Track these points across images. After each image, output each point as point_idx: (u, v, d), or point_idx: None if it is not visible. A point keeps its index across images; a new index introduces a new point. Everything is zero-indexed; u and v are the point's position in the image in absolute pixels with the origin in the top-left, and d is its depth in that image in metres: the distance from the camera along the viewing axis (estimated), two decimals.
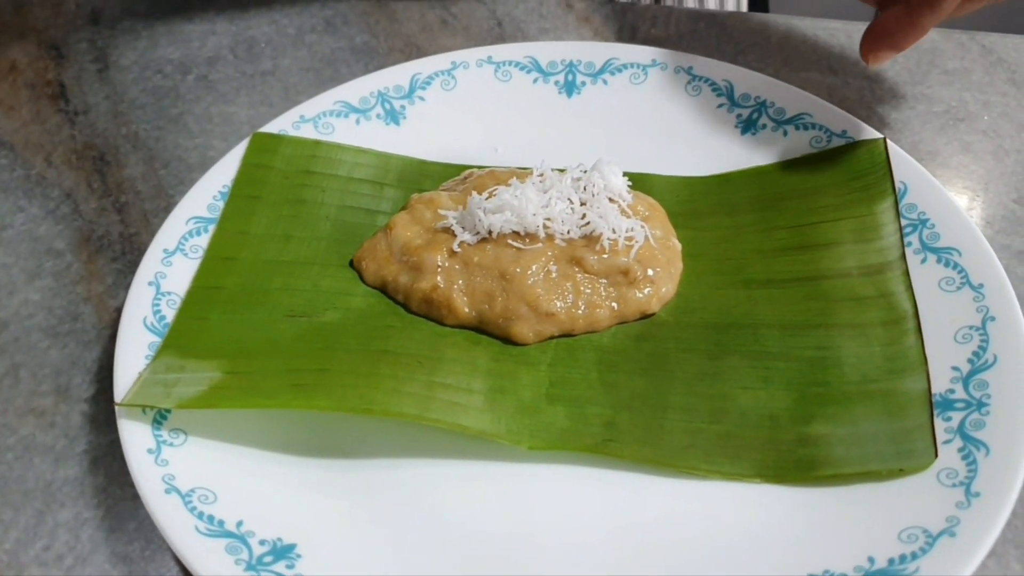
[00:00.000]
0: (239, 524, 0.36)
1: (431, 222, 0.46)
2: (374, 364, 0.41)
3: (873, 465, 0.37)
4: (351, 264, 0.46)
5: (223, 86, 0.59)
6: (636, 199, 0.46)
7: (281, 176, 0.49)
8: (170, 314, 0.43)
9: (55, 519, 0.40)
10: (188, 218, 0.46)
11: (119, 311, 0.43)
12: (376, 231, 0.47)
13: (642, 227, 0.44)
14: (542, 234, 0.44)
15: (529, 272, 0.43)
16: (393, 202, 0.49)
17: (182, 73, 0.60)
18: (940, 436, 0.37)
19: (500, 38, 0.61)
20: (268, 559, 0.35)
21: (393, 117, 0.53)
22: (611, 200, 0.45)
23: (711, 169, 0.50)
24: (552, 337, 0.43)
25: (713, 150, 0.51)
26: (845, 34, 0.60)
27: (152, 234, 0.46)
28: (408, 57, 0.60)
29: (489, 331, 0.43)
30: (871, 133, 0.48)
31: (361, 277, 0.46)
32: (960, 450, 0.36)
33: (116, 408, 0.38)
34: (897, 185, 0.46)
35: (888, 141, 0.48)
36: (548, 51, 0.55)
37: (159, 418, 0.39)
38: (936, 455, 0.36)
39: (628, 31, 0.61)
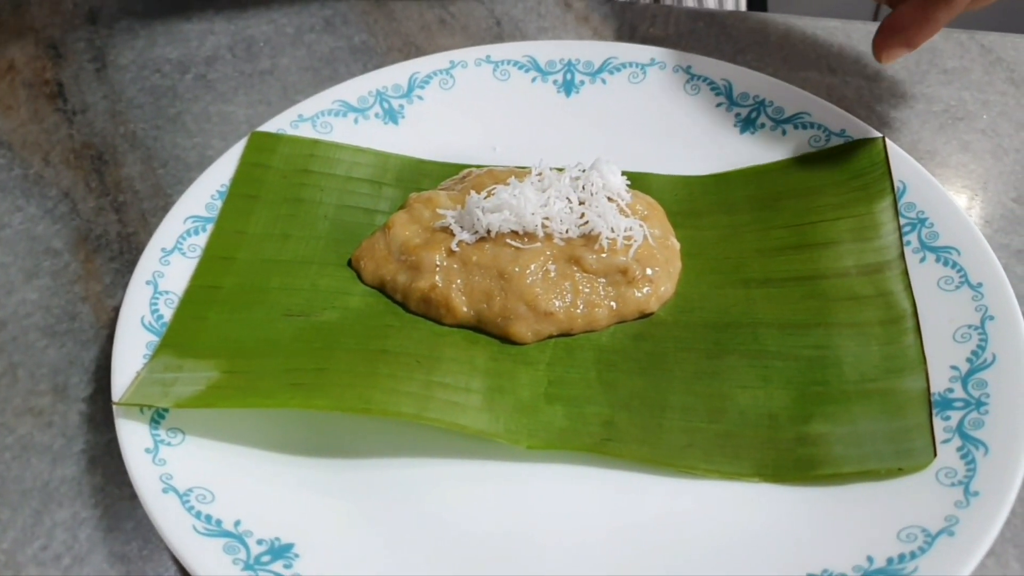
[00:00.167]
0: (237, 523, 0.36)
1: (429, 221, 0.46)
2: (372, 363, 0.41)
3: (872, 464, 0.37)
4: (349, 263, 0.46)
5: (221, 85, 0.59)
6: (635, 198, 0.46)
7: (279, 175, 0.49)
8: (168, 313, 0.42)
9: (53, 519, 0.40)
10: (186, 217, 0.46)
11: (117, 310, 0.42)
12: (374, 230, 0.47)
13: (641, 226, 0.44)
14: (540, 233, 0.44)
15: (528, 271, 0.43)
16: (391, 201, 0.49)
17: (180, 72, 0.60)
18: (939, 435, 0.37)
19: (499, 37, 0.61)
20: (266, 559, 0.35)
21: (391, 116, 0.53)
22: (610, 199, 0.45)
23: (710, 168, 0.50)
24: (551, 336, 0.43)
25: (712, 149, 0.51)
26: (844, 33, 0.60)
27: (150, 233, 0.46)
28: (407, 56, 0.60)
29: (487, 330, 0.43)
30: (870, 132, 0.48)
31: (359, 276, 0.46)
32: (959, 449, 0.36)
33: (114, 407, 0.38)
34: (896, 184, 0.46)
35: (887, 140, 0.48)
36: (547, 50, 0.55)
37: (157, 417, 0.38)
38: (935, 454, 0.36)
39: (627, 30, 0.61)
